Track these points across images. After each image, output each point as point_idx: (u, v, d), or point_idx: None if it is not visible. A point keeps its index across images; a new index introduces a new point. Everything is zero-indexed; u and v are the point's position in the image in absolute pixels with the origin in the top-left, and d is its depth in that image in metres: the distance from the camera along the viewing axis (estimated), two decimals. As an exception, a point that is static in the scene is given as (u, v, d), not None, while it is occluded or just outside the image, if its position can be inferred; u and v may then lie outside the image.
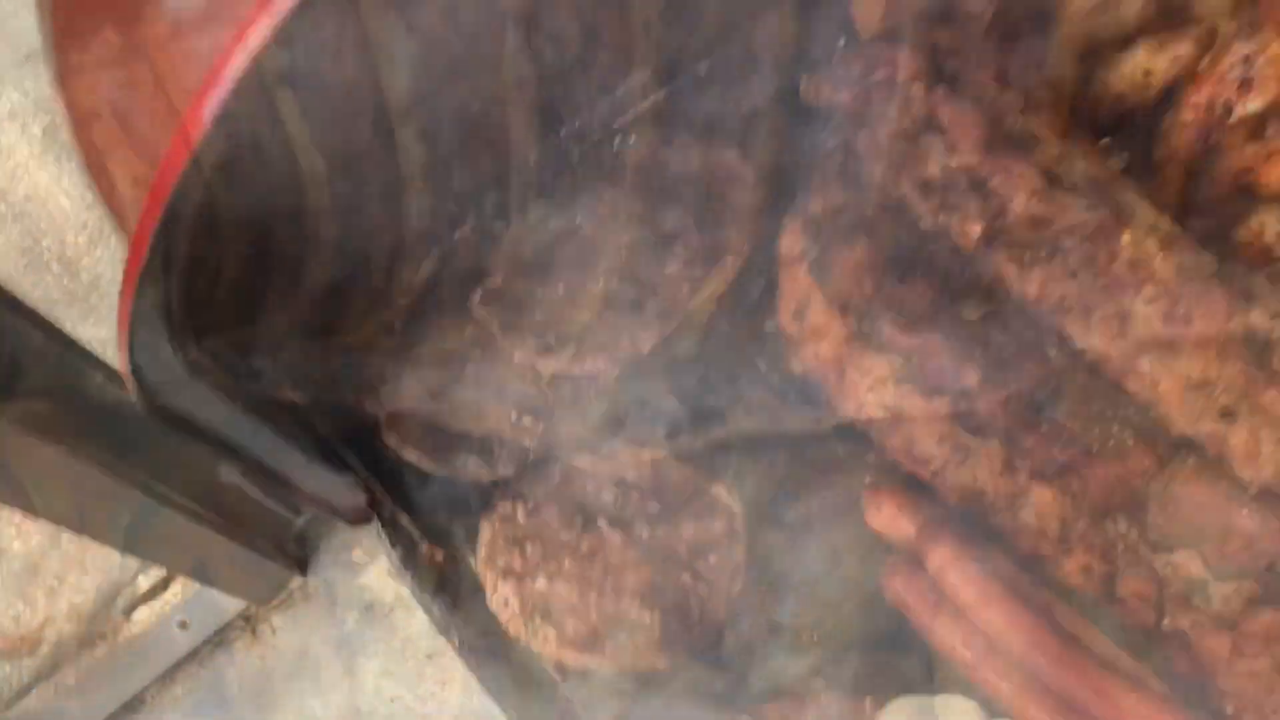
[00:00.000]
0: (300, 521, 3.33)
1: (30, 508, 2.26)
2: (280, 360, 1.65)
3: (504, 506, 1.74)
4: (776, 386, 1.87)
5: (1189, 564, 1.63)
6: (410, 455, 1.75)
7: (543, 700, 1.71)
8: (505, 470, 1.77)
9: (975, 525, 1.75)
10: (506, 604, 1.68)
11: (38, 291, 3.55)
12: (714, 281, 1.85)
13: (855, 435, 1.82)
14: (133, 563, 3.43)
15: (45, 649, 3.38)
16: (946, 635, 1.68)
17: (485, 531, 1.72)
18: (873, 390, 1.77)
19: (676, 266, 1.83)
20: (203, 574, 3.08)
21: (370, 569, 3.38)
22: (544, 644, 1.66)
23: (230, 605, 3.31)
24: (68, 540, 3.44)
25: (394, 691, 3.26)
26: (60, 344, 2.10)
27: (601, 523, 1.73)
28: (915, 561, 1.69)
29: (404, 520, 1.74)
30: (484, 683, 1.69)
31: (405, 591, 3.34)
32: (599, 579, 1.70)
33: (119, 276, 1.14)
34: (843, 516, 1.77)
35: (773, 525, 1.77)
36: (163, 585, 3.43)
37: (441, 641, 3.29)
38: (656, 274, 1.82)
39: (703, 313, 1.86)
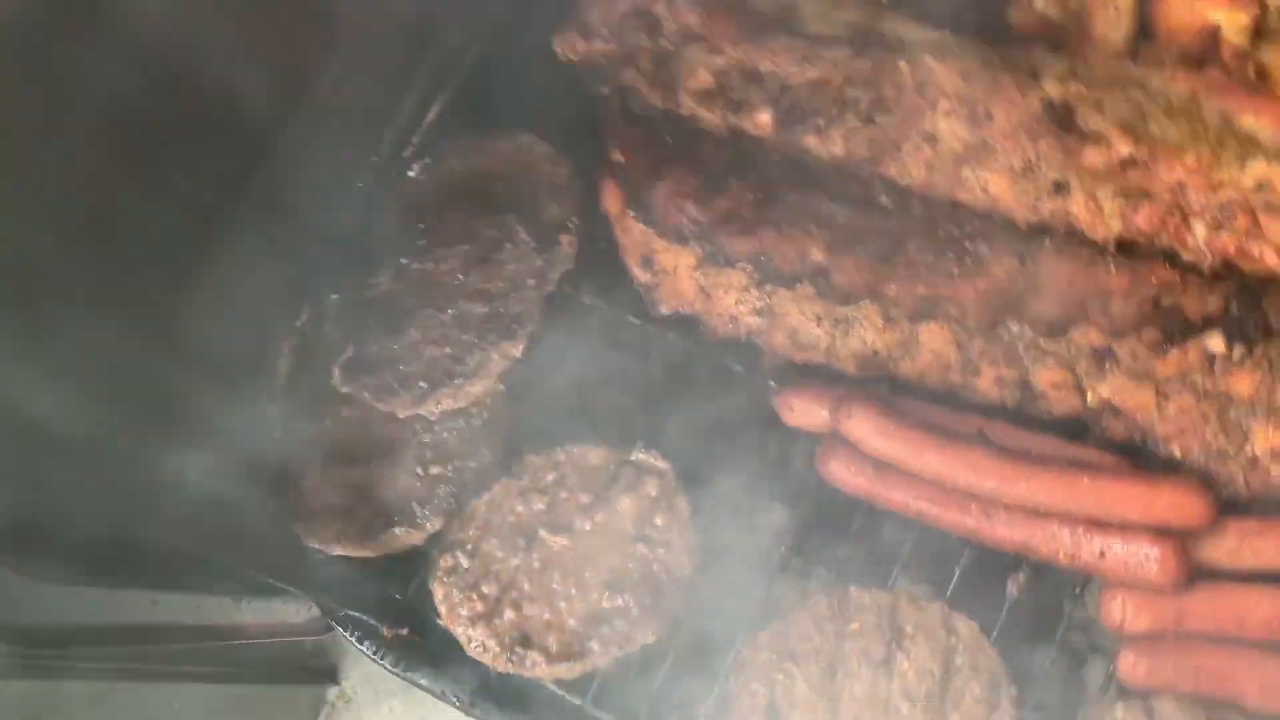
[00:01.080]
0: (309, 641, 3.30)
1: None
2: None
3: (445, 560, 1.73)
4: (654, 336, 1.87)
5: (1087, 336, 1.64)
6: (339, 550, 1.75)
7: (558, 712, 1.72)
8: (433, 526, 1.76)
9: (883, 386, 1.76)
10: (485, 648, 1.68)
11: None
12: (557, 264, 1.85)
13: (744, 348, 1.83)
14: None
15: None
16: (897, 497, 1.70)
17: (438, 591, 1.72)
18: (739, 302, 1.78)
19: (514, 265, 1.82)
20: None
21: (396, 652, 3.36)
22: (535, 668, 1.66)
23: (281, 742, 3.28)
24: None
25: (463, 754, 3.25)
26: None
27: (542, 534, 1.73)
28: (842, 440, 1.70)
29: (355, 617, 1.73)
30: (507, 727, 1.69)
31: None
32: (561, 587, 1.70)
33: None
34: (762, 423, 1.78)
35: (703, 463, 1.78)
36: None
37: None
38: (498, 280, 1.81)
39: (559, 295, 1.86)
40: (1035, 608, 1.75)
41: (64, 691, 2.23)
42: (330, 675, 3.32)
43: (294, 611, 2.88)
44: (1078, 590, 1.75)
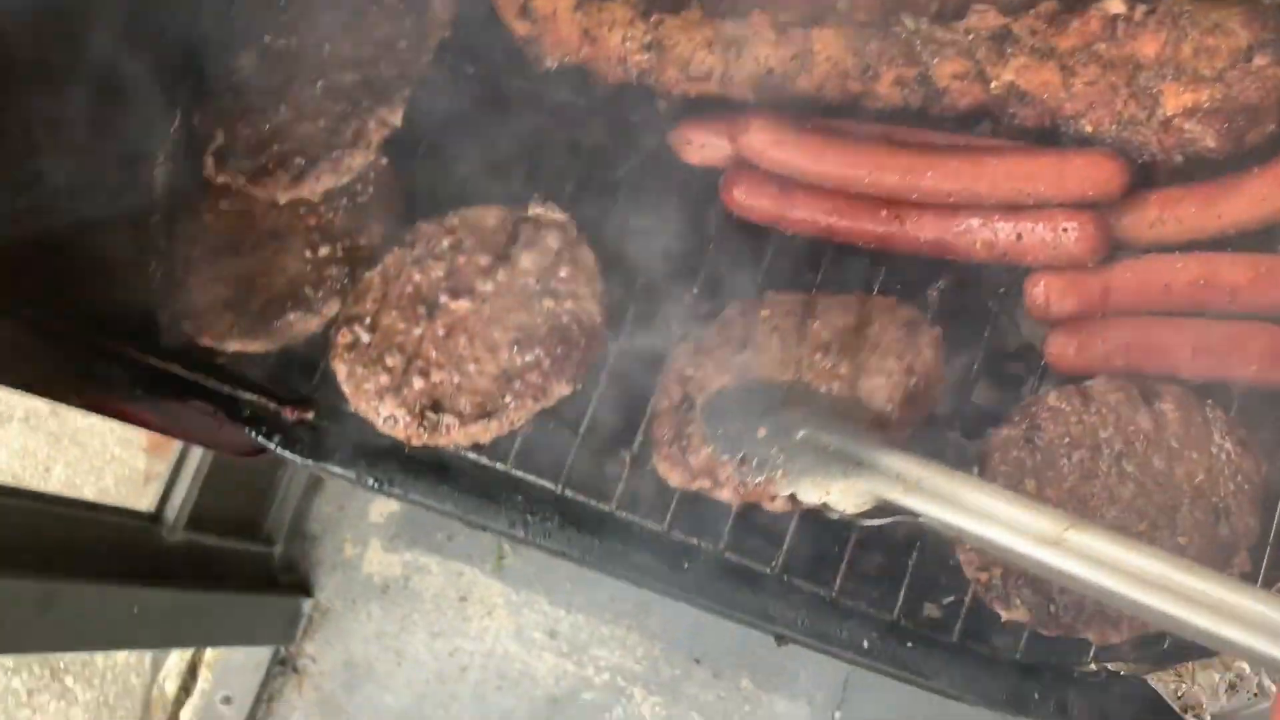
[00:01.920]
0: (278, 549, 3.24)
1: (51, 647, 2.27)
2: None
3: (344, 336, 1.65)
4: (542, 93, 1.79)
5: (985, 19, 1.57)
6: (234, 345, 1.67)
7: (480, 482, 1.64)
8: (329, 309, 1.68)
9: (781, 107, 1.68)
10: (396, 420, 1.61)
11: None
12: (431, 25, 1.76)
13: (637, 96, 1.75)
14: (149, 672, 3.34)
15: (118, 793, 3.29)
16: (803, 215, 1.62)
17: (339, 369, 1.64)
18: (626, 39, 1.70)
19: (384, 28, 1.73)
20: (218, 635, 3.00)
21: (366, 555, 3.31)
22: (450, 433, 1.59)
23: (261, 658, 3.23)
24: (80, 689, 3.35)
25: (450, 646, 3.20)
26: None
27: (444, 299, 1.65)
28: (744, 164, 1.63)
29: (256, 402, 1.65)
30: (435, 505, 1.61)
31: (410, 556, 3.27)
32: (469, 350, 1.62)
33: None
34: (663, 169, 1.70)
35: (604, 211, 1.70)
36: (190, 676, 3.34)
37: (467, 578, 3.24)
38: (368, 45, 1.73)
39: (438, 63, 1.77)
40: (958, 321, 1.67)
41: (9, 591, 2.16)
42: (303, 589, 3.27)
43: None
44: (1002, 291, 1.67)
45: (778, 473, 1.43)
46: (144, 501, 2.81)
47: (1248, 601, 1.11)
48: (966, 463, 1.54)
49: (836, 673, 2.97)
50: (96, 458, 3.48)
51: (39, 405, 3.54)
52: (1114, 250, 1.54)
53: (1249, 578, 1.42)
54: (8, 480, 3.38)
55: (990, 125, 1.64)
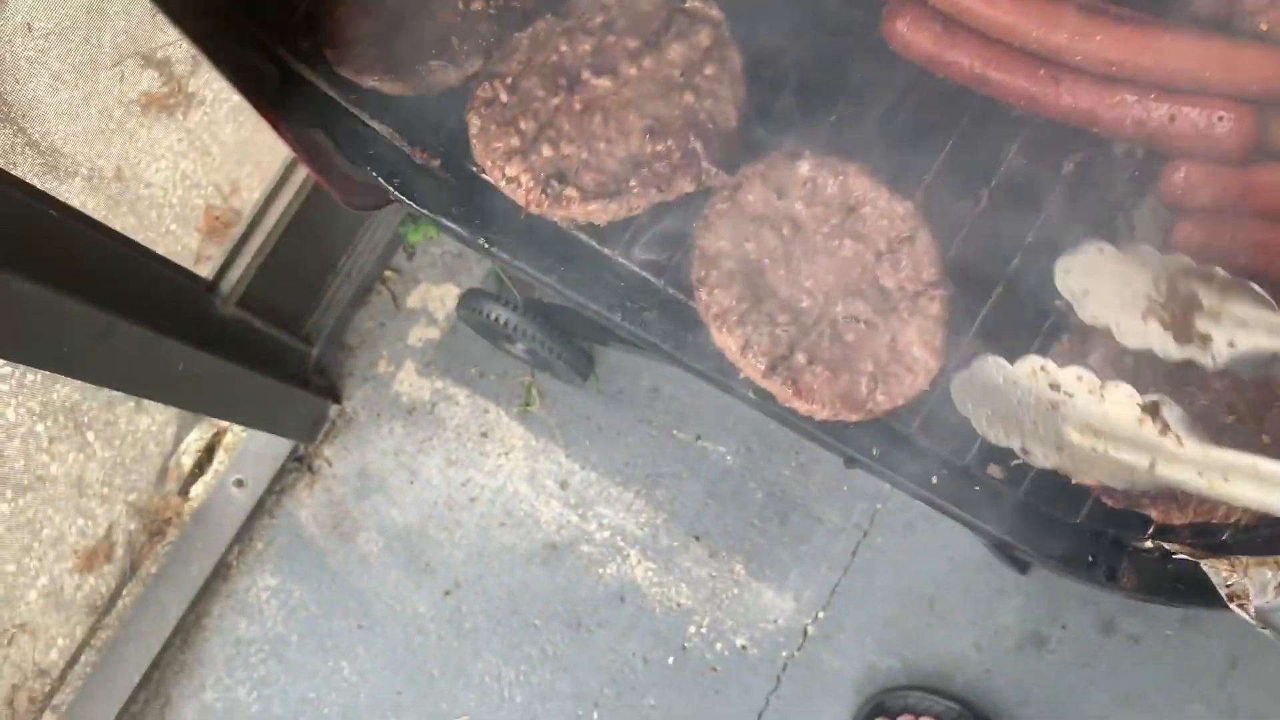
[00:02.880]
0: (315, 351, 3.28)
1: (101, 379, 2.30)
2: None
3: (484, 91, 1.65)
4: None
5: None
6: (371, 81, 1.66)
7: (586, 263, 1.65)
8: (471, 65, 1.68)
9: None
10: (520, 184, 1.61)
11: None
12: None
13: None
14: (169, 444, 3.39)
15: (119, 552, 3.37)
16: (962, 60, 1.62)
17: (473, 123, 1.64)
18: None
19: None
20: (248, 414, 3.04)
21: (399, 375, 3.35)
22: (568, 207, 1.60)
23: (279, 451, 3.28)
24: (99, 446, 3.40)
25: (463, 476, 3.25)
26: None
27: (586, 75, 1.65)
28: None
29: (384, 136, 1.64)
30: (539, 275, 1.62)
31: (441, 385, 3.31)
32: (602, 129, 1.63)
33: None
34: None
35: (760, 17, 1.68)
36: (207, 456, 3.40)
37: (491, 416, 3.28)
38: None
39: None
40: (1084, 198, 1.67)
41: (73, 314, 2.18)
42: (334, 395, 3.31)
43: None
44: (1135, 173, 1.67)
45: (1065, 465, 1.39)
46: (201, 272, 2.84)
47: None
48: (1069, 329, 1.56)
49: (829, 577, 3.03)
50: (151, 230, 3.50)
51: (104, 165, 3.55)
52: (1261, 155, 1.54)
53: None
54: (64, 230, 3.39)
55: (1164, 6, 1.62)
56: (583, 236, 1.65)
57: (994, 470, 1.58)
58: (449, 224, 1.63)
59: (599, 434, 3.23)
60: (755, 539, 3.12)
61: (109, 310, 2.27)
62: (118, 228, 3.49)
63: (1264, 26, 1.55)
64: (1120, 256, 1.42)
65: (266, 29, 1.55)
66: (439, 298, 3.37)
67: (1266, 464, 1.21)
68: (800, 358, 1.54)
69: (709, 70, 1.63)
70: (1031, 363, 1.40)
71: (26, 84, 3.64)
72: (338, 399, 3.35)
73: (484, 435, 3.30)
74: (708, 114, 1.62)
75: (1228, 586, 1.44)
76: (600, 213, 1.59)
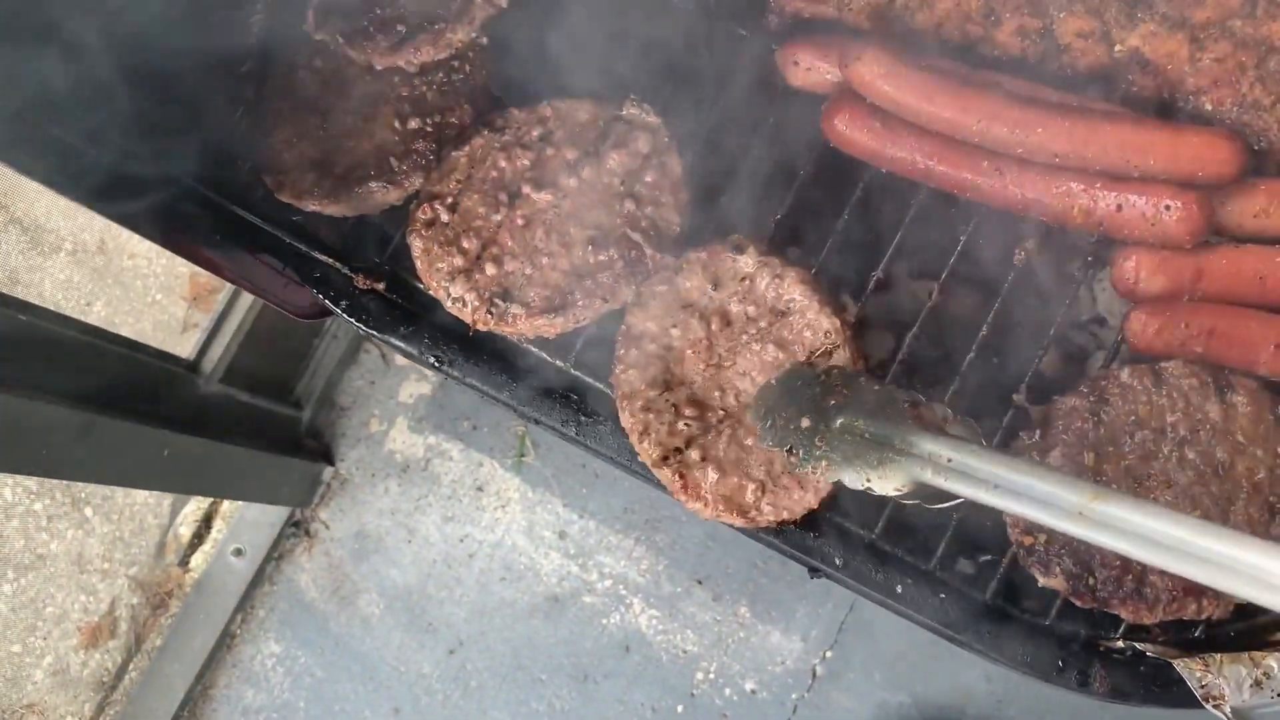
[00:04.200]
0: (306, 415, 3.27)
1: (86, 477, 2.31)
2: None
3: (424, 212, 1.63)
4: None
5: (1120, -22, 1.52)
6: (311, 205, 1.65)
7: (548, 384, 1.63)
8: (411, 183, 1.66)
9: (894, 41, 1.64)
10: (465, 304, 1.60)
11: None
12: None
13: (749, 8, 1.70)
14: (166, 516, 3.40)
15: (123, 626, 3.38)
16: (903, 154, 1.59)
17: (415, 245, 1.62)
18: (746, -49, 1.65)
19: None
20: (240, 489, 3.04)
21: (391, 433, 3.34)
22: (515, 324, 1.58)
23: (276, 517, 3.28)
24: (98, 521, 3.41)
25: (460, 532, 3.24)
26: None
27: (526, 190, 1.63)
28: (850, 94, 1.59)
29: (329, 264, 1.63)
30: (492, 393, 1.60)
31: (434, 440, 3.30)
32: (545, 243, 1.61)
33: None
34: (759, 86, 1.66)
35: (698, 122, 1.66)
36: (205, 526, 3.40)
37: (486, 470, 3.27)
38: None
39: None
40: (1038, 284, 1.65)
41: (51, 417, 2.17)
42: (327, 457, 3.31)
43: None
44: (1088, 260, 1.64)
45: (821, 463, 1.42)
46: (182, 349, 2.83)
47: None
48: (1028, 426, 1.53)
49: (834, 615, 3.01)
50: (138, 300, 3.50)
51: (87, 239, 3.55)
52: (1213, 236, 1.51)
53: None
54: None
55: (1105, 91, 1.58)
56: (533, 349, 1.63)
57: (963, 566, 1.56)
58: (398, 344, 1.61)
59: (595, 481, 3.21)
60: (759, 580, 3.10)
61: (87, 408, 2.27)
62: (104, 300, 3.52)
63: (1208, 107, 1.52)
64: None
65: (201, 182, 1.53)
66: (427, 354, 3.35)
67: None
68: (694, 454, 1.53)
69: (649, 177, 1.61)
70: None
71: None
72: (331, 461, 3.34)
73: (479, 489, 3.29)
74: (650, 221, 1.59)
75: (1202, 687, 1.41)
76: (547, 327, 1.58)
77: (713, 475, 1.52)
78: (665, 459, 1.52)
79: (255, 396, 3.04)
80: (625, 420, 1.55)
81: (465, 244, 1.60)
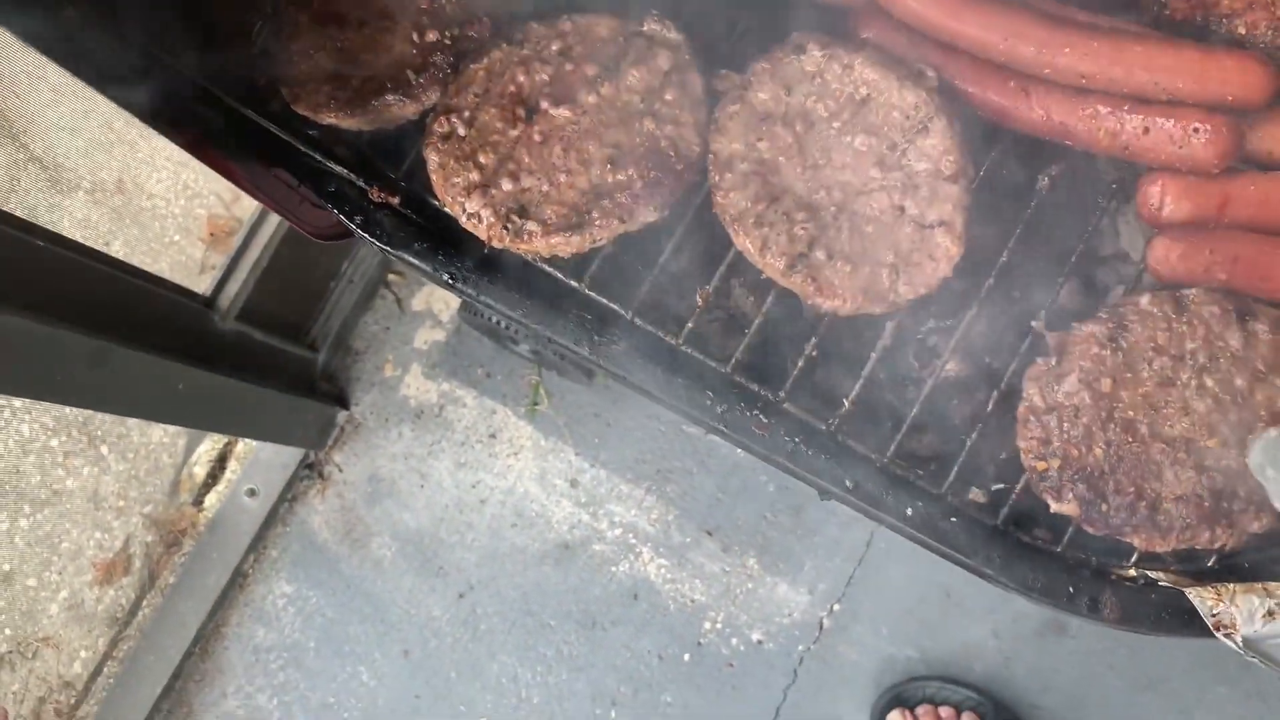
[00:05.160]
0: (321, 357, 3.28)
1: (98, 405, 2.32)
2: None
3: (440, 125, 1.62)
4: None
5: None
6: (327, 118, 1.64)
7: (552, 296, 1.62)
8: (428, 97, 1.64)
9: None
10: (480, 219, 1.58)
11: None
12: None
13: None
14: (181, 455, 3.42)
15: (137, 564, 3.40)
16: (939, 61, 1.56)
17: (431, 159, 1.61)
18: None
19: None
20: (254, 428, 3.05)
21: (405, 379, 3.34)
22: (531, 241, 1.56)
23: (290, 459, 3.29)
24: (113, 459, 3.43)
25: (473, 478, 3.25)
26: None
27: (545, 105, 1.61)
28: (875, 7, 1.56)
29: (344, 177, 1.62)
30: (505, 310, 1.59)
31: (448, 387, 3.30)
32: (562, 160, 1.59)
33: None
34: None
35: (721, 38, 1.64)
36: (219, 466, 3.42)
37: (499, 417, 3.27)
38: None
39: None
40: (1061, 213, 1.62)
41: (65, 342, 2.18)
42: (341, 401, 3.31)
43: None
44: (1114, 188, 1.61)
45: None
46: (199, 287, 2.83)
47: None
48: (1044, 353, 1.52)
49: (843, 569, 3.01)
50: (155, 241, 3.51)
51: (105, 178, 3.55)
52: (1240, 163, 1.48)
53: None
54: (68, 246, 3.41)
55: (1136, 13, 1.55)
56: (548, 269, 1.61)
57: (975, 495, 1.54)
58: (412, 260, 1.60)
59: (608, 431, 3.21)
60: (768, 532, 3.10)
61: (100, 336, 2.27)
62: (121, 240, 3.53)
63: (1241, 30, 1.49)
64: None
65: (207, 73, 1.52)
66: (443, 299, 3.35)
67: None
68: (819, 254, 1.51)
69: (669, 95, 1.59)
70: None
71: (27, 98, 3.64)
72: (345, 404, 3.35)
73: (492, 436, 3.29)
74: (670, 141, 1.58)
75: (1214, 615, 1.40)
76: (563, 246, 1.56)
77: (844, 269, 1.50)
78: (792, 266, 1.50)
79: (270, 336, 3.05)
80: (741, 241, 1.54)
81: (482, 159, 1.59)
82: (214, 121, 1.52)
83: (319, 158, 1.58)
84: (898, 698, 2.90)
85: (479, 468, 3.26)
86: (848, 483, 1.53)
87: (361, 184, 1.60)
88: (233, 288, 2.89)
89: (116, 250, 3.45)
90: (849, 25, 1.60)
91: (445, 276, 1.60)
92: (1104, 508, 1.44)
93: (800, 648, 3.04)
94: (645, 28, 1.63)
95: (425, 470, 3.28)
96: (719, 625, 3.09)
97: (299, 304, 3.17)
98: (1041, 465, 1.47)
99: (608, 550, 3.14)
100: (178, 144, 1.49)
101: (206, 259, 3.45)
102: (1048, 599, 1.45)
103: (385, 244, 1.60)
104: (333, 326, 3.27)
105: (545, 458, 3.23)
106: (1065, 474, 1.46)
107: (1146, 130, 1.46)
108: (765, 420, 1.56)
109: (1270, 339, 1.46)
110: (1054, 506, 1.44)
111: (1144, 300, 1.50)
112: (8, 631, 3.35)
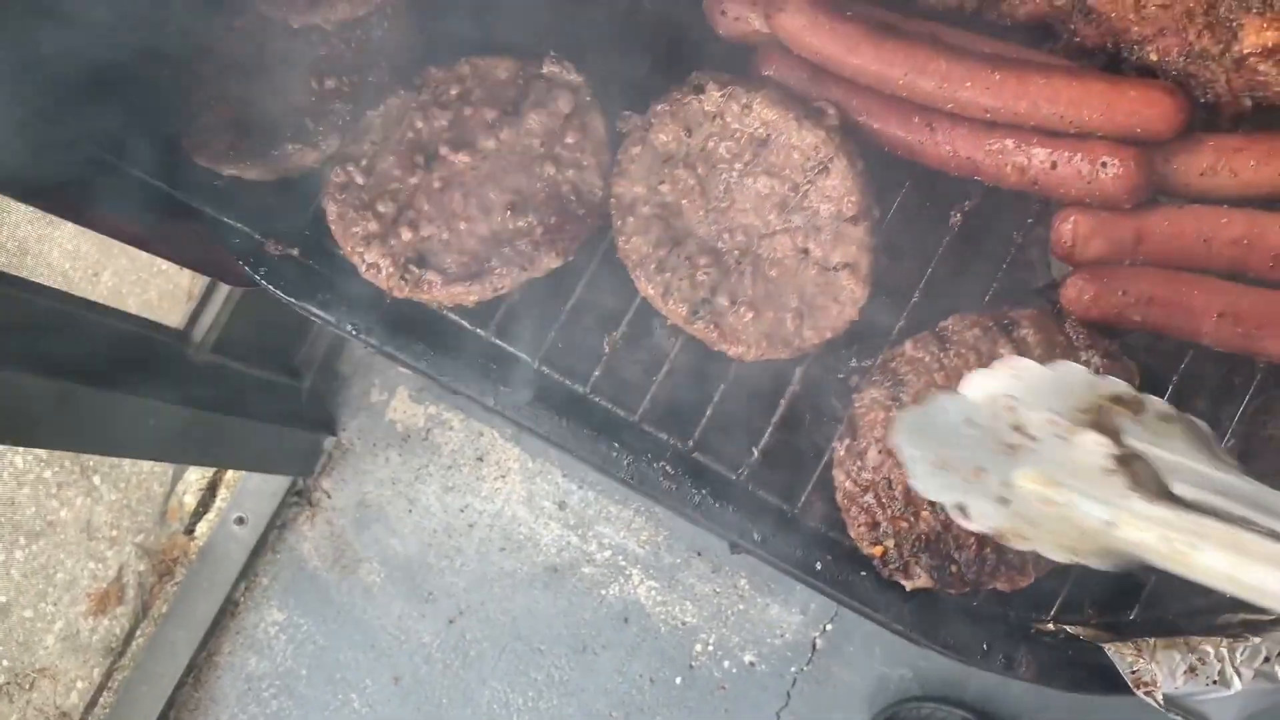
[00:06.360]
0: (306, 384, 3.27)
1: (70, 445, 2.33)
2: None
3: (338, 175, 1.59)
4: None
5: (1061, -78, 1.41)
6: (229, 169, 1.62)
7: (468, 353, 1.59)
8: (328, 145, 1.62)
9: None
10: (379, 269, 1.55)
11: None
12: None
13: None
14: (168, 486, 3.43)
15: (131, 593, 3.42)
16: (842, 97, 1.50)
17: (330, 209, 1.58)
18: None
19: None
20: (237, 459, 3.05)
21: (392, 403, 3.33)
22: (430, 291, 1.53)
23: (278, 487, 3.29)
24: (105, 489, 3.45)
25: (460, 502, 3.23)
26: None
27: (444, 151, 1.58)
28: (777, 45, 1.51)
29: (243, 230, 1.60)
30: (410, 362, 1.56)
31: (434, 410, 3.28)
32: (462, 207, 1.56)
33: None
34: (691, 39, 1.58)
35: (621, 77, 1.60)
36: (210, 493, 3.43)
37: (486, 440, 3.25)
38: None
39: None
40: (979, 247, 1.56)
41: (26, 387, 2.18)
42: (328, 427, 3.30)
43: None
44: (1029, 221, 1.54)
45: (1005, 526, 1.27)
46: (174, 319, 2.83)
47: None
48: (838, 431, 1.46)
49: (836, 590, 2.93)
50: (144, 270, 3.53)
51: (95, 210, 3.57)
52: (1155, 195, 1.41)
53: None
54: (58, 281, 3.45)
55: (1046, 41, 1.49)
56: (453, 317, 1.58)
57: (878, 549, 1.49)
58: (315, 311, 1.58)
59: (595, 453, 3.16)
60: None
61: (63, 378, 2.27)
62: (110, 270, 3.55)
63: (1153, 58, 1.42)
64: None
65: (114, 153, 1.50)
66: (428, 323, 3.33)
67: (1248, 536, 1.10)
68: (722, 300, 1.48)
69: (570, 139, 1.55)
70: (996, 399, 1.29)
71: (18, 133, 3.68)
72: (333, 430, 3.34)
73: (480, 459, 3.27)
74: (571, 185, 1.54)
75: (1133, 672, 1.33)
76: (464, 295, 1.53)
77: (747, 316, 1.47)
78: (695, 313, 1.48)
79: (251, 366, 3.03)
80: (644, 288, 1.51)
81: (380, 207, 1.56)
82: (113, 190, 1.50)
83: (213, 212, 1.56)
84: (892, 719, 2.84)
85: (467, 491, 3.24)
86: (755, 535, 1.48)
87: (258, 237, 1.57)
88: (207, 318, 2.88)
89: (106, 280, 3.47)
90: (751, 63, 1.54)
91: (349, 328, 1.58)
92: (954, 569, 1.38)
93: (793, 669, 2.99)
94: (545, 69, 1.59)
95: (413, 495, 3.26)
96: (710, 647, 3.05)
97: (281, 331, 3.16)
98: (879, 550, 1.42)
99: (597, 573, 3.11)
100: (76, 222, 1.47)
101: (193, 287, 3.46)
102: (960, 655, 1.39)
103: (290, 295, 1.59)
104: (318, 352, 3.26)
105: (533, 480, 3.20)
106: (904, 550, 1.41)
107: (1054, 165, 1.40)
108: (673, 471, 1.51)
109: (1038, 338, 1.42)
110: (908, 585, 1.39)
111: (908, 347, 1.45)
112: (5, 663, 3.39)
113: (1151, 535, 1.15)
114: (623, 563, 3.10)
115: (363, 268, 1.55)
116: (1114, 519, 1.18)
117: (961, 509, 1.30)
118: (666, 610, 3.07)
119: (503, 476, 3.22)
